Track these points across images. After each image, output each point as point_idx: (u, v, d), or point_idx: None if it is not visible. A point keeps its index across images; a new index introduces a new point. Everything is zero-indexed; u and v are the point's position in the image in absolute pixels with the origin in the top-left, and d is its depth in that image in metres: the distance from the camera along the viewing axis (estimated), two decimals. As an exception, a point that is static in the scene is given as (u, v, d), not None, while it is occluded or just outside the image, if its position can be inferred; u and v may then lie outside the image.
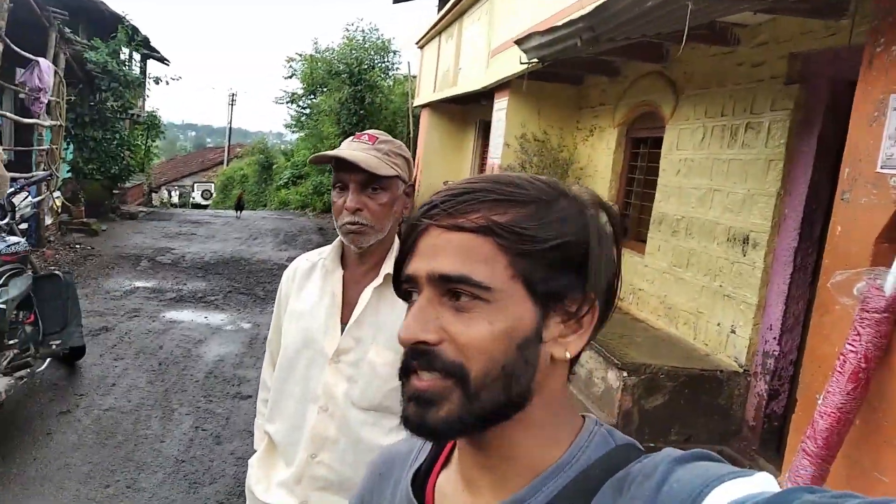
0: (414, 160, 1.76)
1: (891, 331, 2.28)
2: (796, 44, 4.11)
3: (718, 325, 4.64)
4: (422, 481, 0.76)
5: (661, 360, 4.44)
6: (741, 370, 4.36)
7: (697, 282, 4.93)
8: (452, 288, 0.63)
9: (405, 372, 0.66)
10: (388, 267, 1.52)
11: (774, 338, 4.14)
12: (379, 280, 1.52)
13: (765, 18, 4.20)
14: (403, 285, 0.68)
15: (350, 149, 1.47)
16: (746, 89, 4.55)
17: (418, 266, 0.65)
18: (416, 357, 0.64)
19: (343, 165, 1.45)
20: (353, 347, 1.50)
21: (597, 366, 4.63)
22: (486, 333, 0.62)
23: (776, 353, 4.14)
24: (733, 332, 4.48)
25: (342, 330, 1.52)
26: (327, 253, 1.60)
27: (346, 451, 1.49)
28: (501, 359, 0.63)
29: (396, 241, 1.59)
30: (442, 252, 0.63)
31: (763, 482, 0.53)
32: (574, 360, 0.69)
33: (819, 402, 2.36)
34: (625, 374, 4.25)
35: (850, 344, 2.29)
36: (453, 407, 0.63)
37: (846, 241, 2.62)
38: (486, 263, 0.62)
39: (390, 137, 1.54)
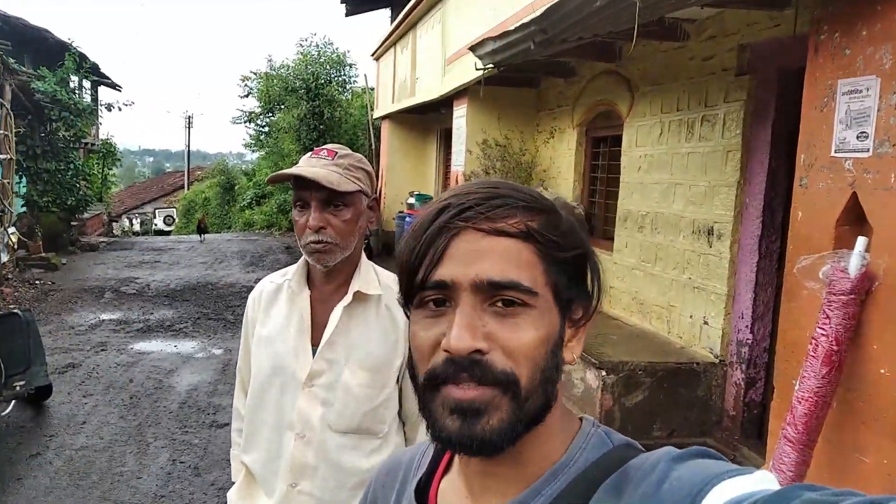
0: (377, 172, 1.74)
1: (858, 312, 2.33)
2: (743, 35, 4.20)
3: (691, 317, 4.70)
4: (424, 489, 0.76)
5: (637, 356, 4.48)
6: (717, 360, 4.41)
7: (667, 276, 4.99)
8: (499, 294, 0.62)
9: (433, 382, 0.63)
10: (356, 285, 1.49)
11: (747, 326, 4.20)
12: (348, 299, 1.48)
13: (712, 12, 4.29)
14: (427, 292, 0.64)
15: (309, 165, 1.44)
16: (699, 83, 4.64)
17: (457, 271, 0.62)
18: (465, 368, 0.61)
19: (303, 183, 1.41)
20: (325, 370, 1.46)
21: (575, 367, 4.64)
22: (534, 339, 0.62)
23: (749, 342, 4.20)
24: (706, 323, 4.54)
25: (314, 353, 1.48)
26: (292, 273, 1.55)
27: (326, 477, 1.45)
28: (543, 364, 0.63)
29: (363, 257, 1.56)
30: (486, 257, 0.62)
31: (763, 480, 0.53)
32: None
33: (796, 387, 2.39)
34: (603, 372, 4.27)
35: (820, 328, 2.33)
36: (504, 416, 0.61)
37: (808, 226, 2.67)
38: (528, 269, 0.63)
39: (350, 151, 1.51)
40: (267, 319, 1.56)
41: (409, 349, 0.68)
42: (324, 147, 1.50)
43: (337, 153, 1.47)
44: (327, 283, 1.52)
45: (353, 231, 1.46)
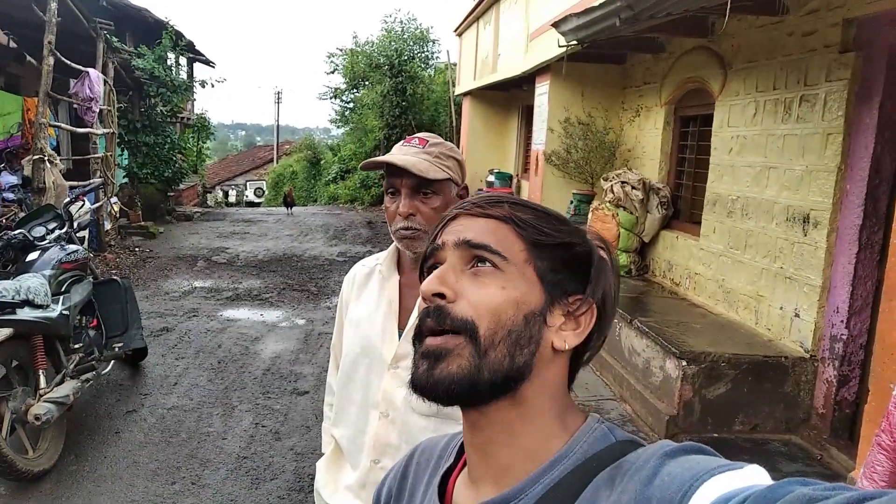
0: (458, 149, 1.73)
1: (970, 313, 2.14)
2: (850, 9, 3.90)
3: (781, 308, 4.47)
4: (446, 480, 0.80)
5: (721, 347, 4.31)
6: (807, 355, 4.20)
7: (757, 264, 4.76)
8: (473, 254, 0.70)
9: (419, 336, 0.71)
10: None
11: (842, 321, 3.97)
12: None
13: (817, -16, 4.01)
14: (428, 261, 0.75)
15: (400, 153, 1.45)
16: (798, 60, 4.36)
17: (446, 237, 0.73)
18: (430, 314, 0.69)
19: (394, 170, 1.43)
20: (411, 353, 1.48)
21: (654, 354, 4.53)
22: (496, 295, 0.68)
23: (844, 337, 3.96)
24: (797, 315, 4.31)
25: (399, 336, 1.51)
26: (383, 258, 1.59)
27: None
28: (508, 323, 0.68)
29: None
30: (469, 228, 0.72)
31: (754, 475, 0.53)
32: (577, 366, 0.75)
33: (893, 392, 2.23)
34: (684, 362, 4.14)
35: (924, 329, 2.16)
36: (463, 362, 0.67)
37: (917, 219, 2.47)
38: (504, 241, 0.71)
39: (441, 140, 1.51)
40: (359, 302, 1.61)
41: None
42: (415, 135, 1.51)
43: (428, 141, 1.48)
44: (416, 269, 1.53)
45: None
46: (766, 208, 4.65)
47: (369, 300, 1.58)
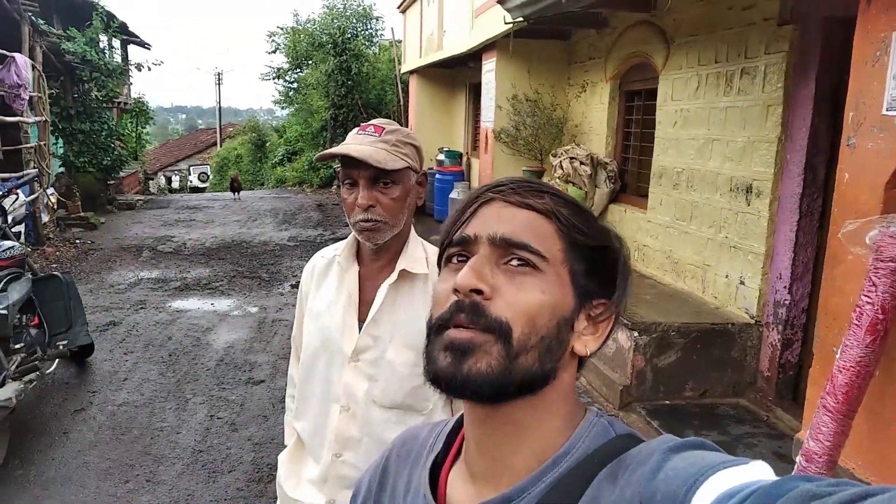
0: (406, 127, 1.70)
1: (905, 278, 2.24)
2: (789, -18, 3.99)
3: (727, 276, 4.61)
4: (436, 471, 0.78)
5: (671, 316, 4.42)
6: (753, 321, 4.34)
7: (702, 234, 4.88)
8: (511, 252, 0.66)
9: (442, 327, 0.66)
10: (403, 263, 1.48)
11: (785, 286, 4.11)
12: (394, 276, 1.47)
13: (756, -42, 4.08)
14: (454, 248, 0.70)
15: (356, 142, 1.41)
16: (739, 33, 4.44)
17: (479, 228, 0.68)
18: (464, 309, 0.65)
19: (351, 161, 1.39)
20: (371, 346, 1.47)
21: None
22: (536, 299, 0.65)
23: (787, 302, 4.11)
24: (742, 283, 4.45)
25: (360, 328, 1.49)
26: (341, 249, 1.55)
27: (370, 450, 1.47)
28: (543, 329, 0.65)
29: (413, 233, 1.54)
30: (507, 221, 0.67)
31: (758, 471, 0.53)
32: (582, 363, 0.73)
33: (836, 356, 2.32)
34: (636, 333, 4.23)
35: (865, 295, 2.25)
36: (492, 361, 0.63)
37: (854, 189, 2.56)
38: (544, 238, 0.67)
39: (398, 126, 1.47)
40: (318, 293, 1.58)
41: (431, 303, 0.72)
42: (371, 122, 1.47)
43: (384, 129, 1.44)
44: (375, 260, 1.52)
45: (401, 208, 1.44)
46: (711, 180, 4.75)
47: (328, 292, 1.56)
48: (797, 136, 3.97)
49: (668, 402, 4.29)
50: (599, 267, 0.70)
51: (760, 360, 4.33)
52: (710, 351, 4.32)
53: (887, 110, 2.39)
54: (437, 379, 0.65)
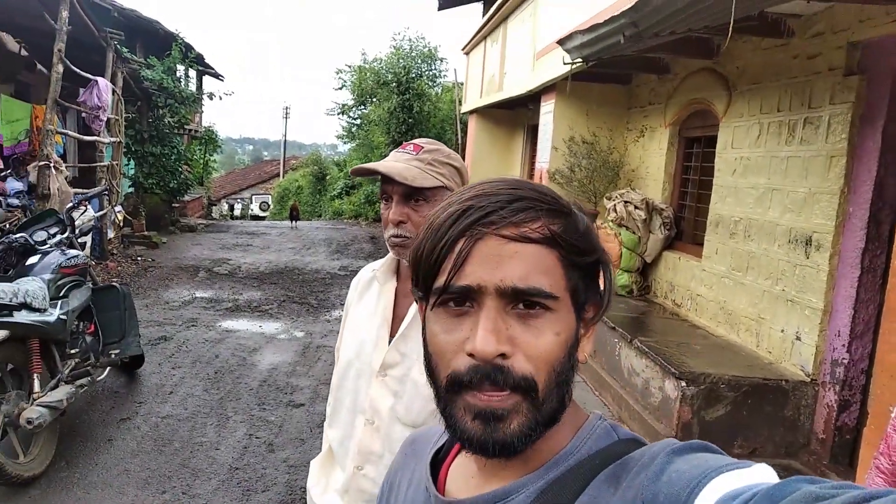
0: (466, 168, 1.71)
1: (971, 337, 2.11)
2: (855, 32, 3.91)
3: (782, 331, 4.43)
4: (440, 463, 0.79)
5: (721, 368, 4.27)
6: (808, 379, 4.15)
7: (758, 286, 4.73)
8: (522, 299, 0.63)
9: (459, 386, 0.64)
10: None
11: (843, 345, 3.93)
12: None
13: (820, 7, 4.02)
14: (452, 296, 0.65)
15: (394, 160, 1.44)
16: (803, 83, 4.36)
17: (482, 276, 0.63)
18: (489, 376, 0.62)
19: (386, 177, 1.42)
20: (398, 362, 1.47)
21: (653, 375, 4.49)
22: (554, 343, 0.64)
23: (845, 362, 3.92)
24: (798, 338, 4.27)
25: (390, 343, 1.49)
26: (380, 265, 1.58)
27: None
28: (559, 367, 0.64)
29: None
30: (510, 262, 0.63)
31: (761, 473, 0.53)
32: None
33: (892, 414, 2.20)
34: (683, 383, 4.10)
35: (925, 351, 2.13)
36: (523, 419, 0.63)
37: (919, 241, 2.45)
38: (550, 274, 0.64)
39: (439, 146, 1.49)
40: (359, 306, 1.60)
41: (426, 348, 0.70)
42: (412, 141, 1.50)
43: (423, 148, 1.46)
44: (410, 277, 1.52)
45: None
46: (769, 230, 4.62)
47: (368, 305, 1.58)
48: (861, 188, 3.84)
49: (714, 456, 4.11)
50: (591, 273, 0.69)
51: (815, 420, 4.12)
52: (761, 407, 4.14)
53: (956, 161, 2.30)
54: (472, 445, 0.64)
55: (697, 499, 0.52)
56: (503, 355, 0.62)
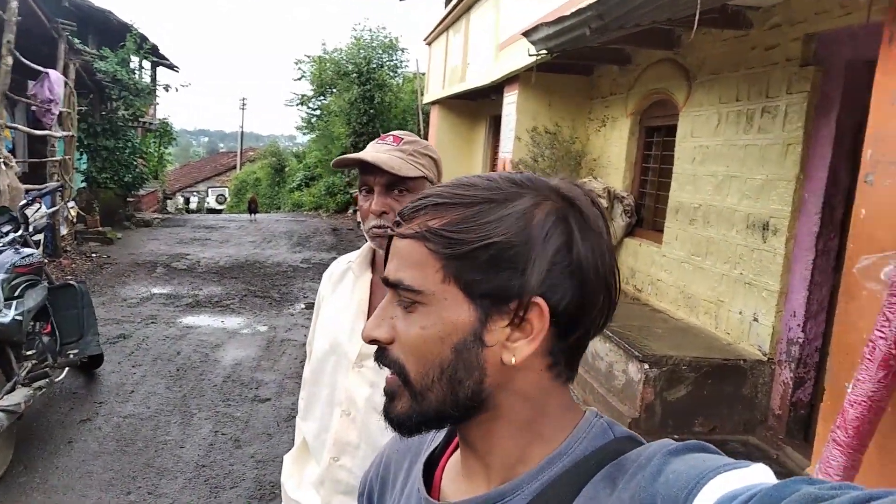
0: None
1: (922, 315, 2.21)
2: (811, 24, 4.02)
3: (740, 313, 4.56)
4: (433, 466, 0.78)
5: (682, 350, 4.37)
6: (765, 358, 4.28)
7: (717, 270, 4.85)
8: (398, 292, 0.66)
9: None
10: None
11: (798, 325, 4.06)
12: None
13: (778, 0, 4.11)
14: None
15: (374, 150, 1.44)
16: (761, 73, 4.46)
17: (387, 270, 0.68)
18: (377, 354, 0.69)
19: (367, 168, 1.41)
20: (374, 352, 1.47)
21: (617, 358, 4.57)
22: (418, 335, 0.65)
23: (801, 341, 4.05)
24: (756, 320, 4.40)
25: None
26: (356, 257, 1.57)
27: (366, 457, 1.47)
28: (436, 361, 0.64)
29: None
30: (392, 258, 0.68)
31: (759, 474, 0.52)
32: (559, 360, 0.66)
33: (848, 390, 2.29)
34: (646, 366, 4.18)
35: (879, 330, 2.22)
36: (405, 404, 0.67)
37: (871, 225, 2.54)
38: (417, 268, 0.64)
39: (416, 138, 1.50)
40: (332, 298, 1.60)
41: None
42: (390, 133, 1.50)
43: (403, 139, 1.47)
44: None
45: None
46: (727, 216, 4.74)
47: (342, 297, 1.57)
48: (816, 175, 3.96)
49: (676, 436, 4.16)
50: (498, 262, 0.62)
51: (772, 397, 4.26)
52: (721, 387, 4.25)
53: (906, 147, 2.39)
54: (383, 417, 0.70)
55: (696, 500, 0.52)
56: (377, 341, 0.67)
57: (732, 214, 4.68)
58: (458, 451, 0.75)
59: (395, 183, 1.41)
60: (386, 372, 1.49)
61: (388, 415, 0.69)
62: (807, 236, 4.02)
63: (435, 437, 0.81)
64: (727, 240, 4.74)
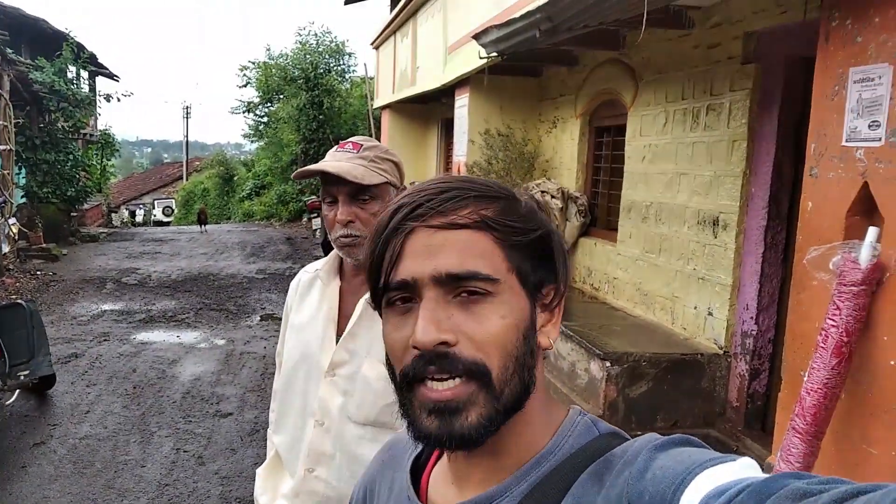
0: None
1: (869, 302, 2.32)
2: (750, 23, 4.16)
3: (695, 308, 4.68)
4: (420, 471, 0.77)
5: (641, 347, 4.47)
6: (721, 352, 4.41)
7: (671, 266, 4.97)
8: (461, 285, 0.62)
9: (408, 383, 0.63)
10: None
11: (751, 317, 4.19)
12: None
13: (718, -1, 4.25)
14: (393, 293, 0.65)
15: (334, 159, 1.43)
16: (704, 71, 4.60)
17: (416, 268, 0.62)
18: (434, 361, 0.61)
19: (330, 178, 1.40)
20: (347, 361, 1.47)
21: (579, 357, 4.64)
22: (501, 327, 0.62)
23: (754, 333, 4.19)
24: (710, 314, 4.52)
25: (337, 342, 1.48)
26: (323, 265, 1.56)
27: (342, 466, 1.46)
28: (515, 351, 0.63)
29: None
30: (442, 251, 0.62)
31: (746, 467, 0.53)
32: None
33: (804, 379, 2.38)
34: (607, 363, 4.26)
35: (830, 319, 2.32)
36: (482, 410, 0.62)
37: (818, 217, 2.65)
38: (487, 258, 0.63)
39: (376, 143, 1.50)
40: (301, 308, 1.58)
41: (385, 350, 0.69)
42: (349, 139, 1.49)
43: (363, 145, 1.46)
44: (357, 275, 1.52)
45: None
46: (679, 213, 4.87)
47: (311, 306, 1.56)
48: (761, 170, 4.11)
49: (640, 432, 4.26)
50: (539, 253, 0.67)
51: (729, 390, 4.39)
52: (680, 381, 4.36)
53: (846, 141, 2.50)
54: (429, 441, 0.63)
55: (683, 496, 0.51)
56: (446, 343, 0.61)
57: (683, 211, 4.81)
58: (444, 458, 0.74)
59: (360, 191, 1.41)
60: (363, 379, 1.47)
61: (455, 432, 0.61)
62: (756, 230, 4.16)
63: (417, 446, 0.79)
64: (679, 236, 4.87)
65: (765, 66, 4.08)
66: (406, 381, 0.63)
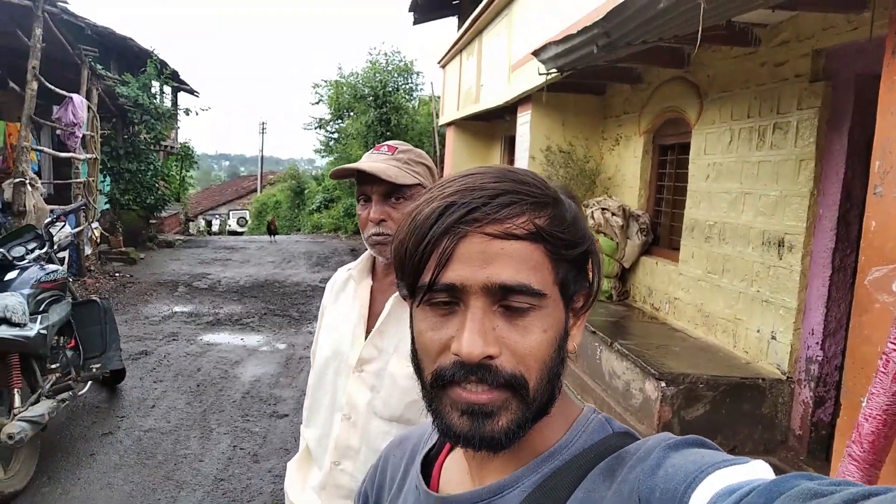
0: (442, 177, 1.76)
1: (935, 326, 2.20)
2: (819, 40, 4.05)
3: (758, 331, 4.53)
4: (431, 463, 0.78)
5: (700, 369, 4.35)
6: (784, 377, 4.24)
7: (734, 288, 4.84)
8: (509, 297, 0.61)
9: (441, 382, 0.63)
10: None
11: (817, 343, 4.03)
12: None
13: (785, 16, 4.15)
14: (436, 294, 0.63)
15: (370, 160, 1.48)
16: (771, 89, 4.49)
17: (467, 275, 0.61)
18: (475, 371, 0.61)
19: (364, 178, 1.45)
20: (375, 357, 1.50)
21: (634, 377, 4.56)
22: (543, 341, 0.63)
23: (820, 359, 4.02)
24: (774, 338, 4.37)
25: (366, 339, 1.53)
26: (356, 265, 1.61)
27: (368, 461, 1.48)
28: (551, 363, 0.64)
29: None
30: (496, 260, 0.61)
31: (759, 469, 0.53)
32: None
33: (863, 404, 2.28)
34: (663, 384, 4.17)
35: (892, 342, 2.22)
36: (512, 416, 0.62)
37: (882, 237, 2.55)
38: (538, 271, 0.62)
39: (410, 147, 1.54)
40: (335, 306, 1.63)
41: (413, 343, 0.69)
42: (384, 143, 1.54)
43: (397, 148, 1.51)
44: (388, 275, 1.56)
45: None
46: (743, 233, 4.74)
47: (344, 304, 1.61)
48: (830, 190, 3.96)
49: (694, 455, 4.17)
50: (586, 263, 0.68)
51: (792, 417, 4.22)
52: (739, 406, 4.22)
53: (915, 159, 2.40)
54: (459, 440, 0.64)
55: (694, 494, 0.52)
56: (489, 356, 0.61)
57: (748, 231, 4.68)
58: (457, 450, 0.76)
59: (392, 191, 1.45)
60: (390, 376, 1.51)
61: (485, 434, 0.62)
62: (823, 252, 4.00)
63: (430, 437, 0.81)
64: (743, 257, 4.73)
65: (835, 84, 3.96)
66: (440, 382, 0.63)
